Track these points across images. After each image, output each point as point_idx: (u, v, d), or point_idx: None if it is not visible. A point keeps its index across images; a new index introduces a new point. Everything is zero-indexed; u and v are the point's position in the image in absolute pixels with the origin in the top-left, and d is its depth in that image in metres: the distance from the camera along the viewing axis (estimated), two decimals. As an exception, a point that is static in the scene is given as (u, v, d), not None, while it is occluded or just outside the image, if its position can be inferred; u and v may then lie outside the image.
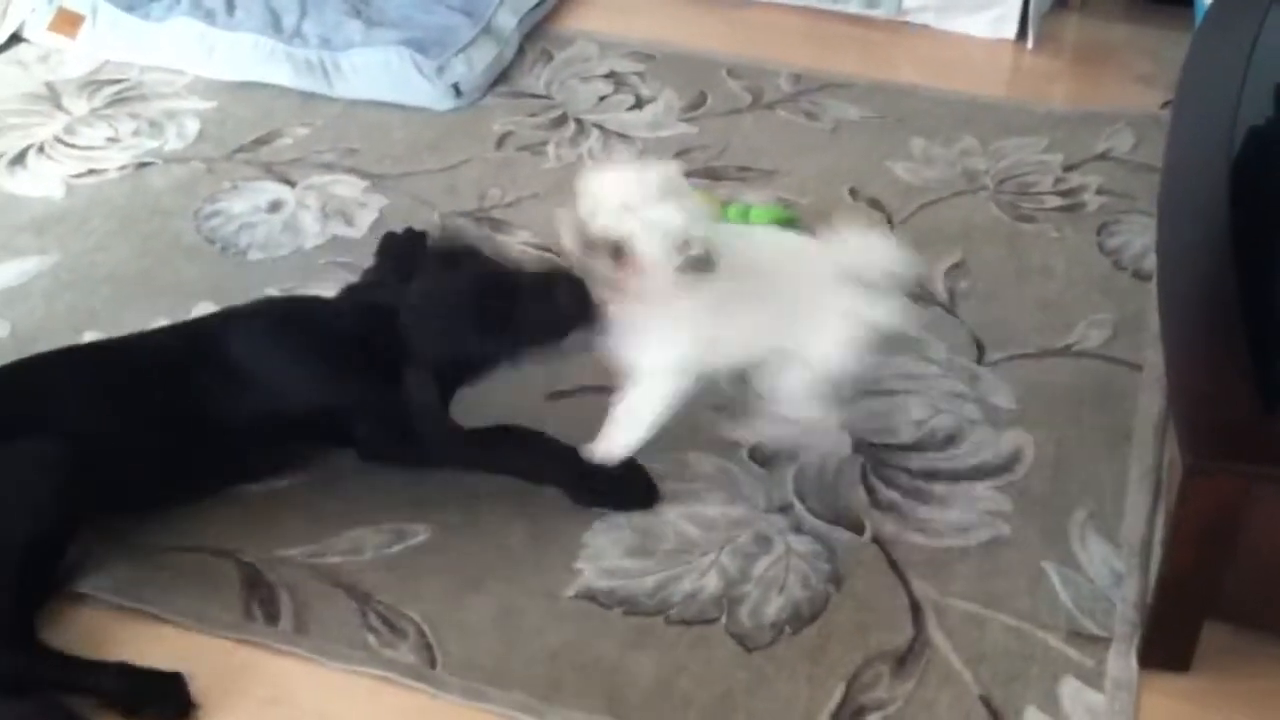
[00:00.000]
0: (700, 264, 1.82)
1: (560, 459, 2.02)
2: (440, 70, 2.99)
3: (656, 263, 1.81)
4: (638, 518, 1.99)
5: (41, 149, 2.86)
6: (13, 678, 1.73)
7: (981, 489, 2.05)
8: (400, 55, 3.00)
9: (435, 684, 1.76)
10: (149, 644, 1.82)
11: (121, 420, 1.90)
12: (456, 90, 3.00)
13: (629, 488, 2.03)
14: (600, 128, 2.94)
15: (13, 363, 1.97)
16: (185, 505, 1.99)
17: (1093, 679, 1.77)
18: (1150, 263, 2.47)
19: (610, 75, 3.15)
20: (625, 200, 1.82)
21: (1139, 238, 2.57)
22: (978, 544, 1.96)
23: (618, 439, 1.98)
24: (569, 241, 1.87)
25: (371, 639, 1.82)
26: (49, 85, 3.09)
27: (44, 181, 2.76)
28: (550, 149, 2.87)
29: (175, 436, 1.93)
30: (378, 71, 3.01)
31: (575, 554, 1.94)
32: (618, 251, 1.82)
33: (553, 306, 1.94)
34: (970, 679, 1.77)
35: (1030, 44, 3.21)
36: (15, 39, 3.24)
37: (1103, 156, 2.85)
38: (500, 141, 2.89)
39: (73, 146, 2.87)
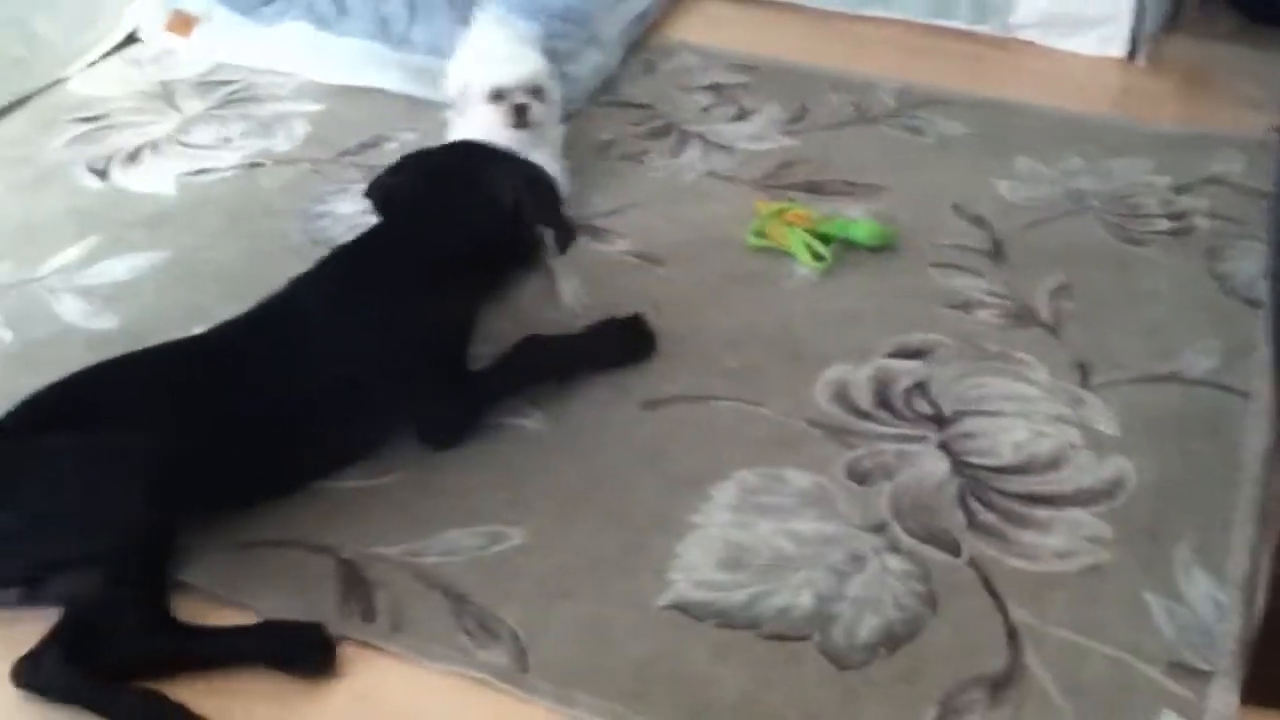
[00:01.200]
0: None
1: (577, 346, 2.26)
2: (546, 78, 3.01)
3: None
4: (732, 532, 1.99)
5: (155, 147, 2.93)
6: (157, 660, 1.77)
7: (1083, 515, 2.02)
8: (506, 62, 3.03)
9: (526, 688, 1.77)
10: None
11: (209, 414, 1.96)
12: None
13: (635, 338, 2.30)
14: (702, 138, 2.94)
15: (104, 361, 2.03)
16: (278, 498, 2.03)
17: (1193, 713, 1.73)
18: (1260, 289, 2.42)
19: (713, 86, 3.15)
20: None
21: (1249, 263, 2.52)
22: (1078, 571, 1.93)
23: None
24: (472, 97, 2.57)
25: (466, 640, 1.83)
26: (163, 85, 3.16)
27: (157, 179, 2.82)
28: (652, 159, 2.88)
29: (262, 422, 1.98)
30: (484, 78, 3.03)
31: (668, 564, 1.94)
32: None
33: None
34: (1068, 709, 1.74)
35: (1140, 63, 3.16)
36: (131, 39, 3.32)
37: (1213, 179, 2.79)
38: (603, 150, 2.91)
39: (185, 145, 2.94)
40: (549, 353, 2.23)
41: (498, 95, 2.55)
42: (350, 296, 2.13)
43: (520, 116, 2.54)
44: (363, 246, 2.22)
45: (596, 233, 2.63)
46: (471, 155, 2.31)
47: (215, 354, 2.06)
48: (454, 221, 2.19)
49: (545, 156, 2.52)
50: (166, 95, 3.12)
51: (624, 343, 2.29)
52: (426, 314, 2.12)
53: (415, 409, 2.11)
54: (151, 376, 2.01)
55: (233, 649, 1.81)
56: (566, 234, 2.27)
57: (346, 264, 2.19)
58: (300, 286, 2.15)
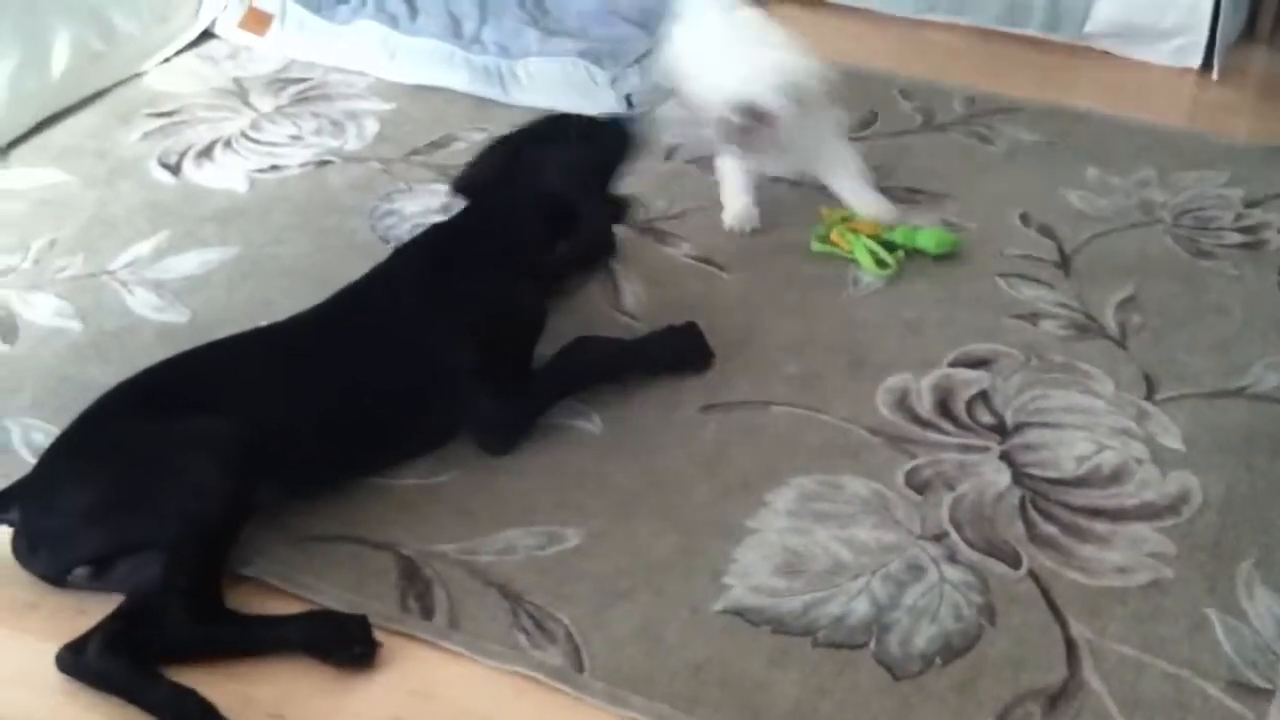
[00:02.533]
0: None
1: (631, 350, 2.27)
2: (614, 81, 3.03)
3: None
4: (789, 537, 1.99)
5: (228, 143, 2.97)
6: (207, 644, 1.81)
7: (1145, 530, 1.99)
8: (576, 65, 3.05)
9: (581, 688, 1.78)
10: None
11: (290, 399, 2.00)
12: (629, 101, 3.03)
13: (690, 350, 2.28)
14: (768, 143, 2.94)
15: (187, 351, 2.08)
16: (352, 480, 2.06)
17: (1253, 733, 1.71)
18: (1334, 306, 2.38)
19: (781, 91, 3.14)
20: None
21: (1322, 278, 2.49)
22: (1138, 586, 1.91)
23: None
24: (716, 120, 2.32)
25: (522, 639, 1.84)
26: (237, 81, 3.20)
27: (229, 175, 2.87)
28: (718, 163, 2.87)
29: (341, 407, 2.02)
30: (553, 80, 3.06)
31: (724, 569, 1.94)
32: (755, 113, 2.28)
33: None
34: (1124, 725, 1.73)
35: (1215, 75, 3.12)
36: (207, 35, 3.37)
37: (1288, 194, 2.75)
38: (669, 153, 2.91)
39: (257, 142, 2.98)
40: (602, 356, 2.24)
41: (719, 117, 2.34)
42: (427, 287, 2.15)
43: (743, 137, 2.33)
44: (437, 237, 2.25)
45: (660, 235, 2.63)
46: (538, 138, 2.31)
47: (295, 341, 2.10)
48: (513, 210, 2.22)
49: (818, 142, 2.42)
50: (240, 92, 3.16)
51: (678, 350, 2.29)
52: (497, 307, 2.14)
53: (473, 412, 2.13)
54: (238, 363, 2.06)
55: (276, 637, 1.83)
56: (609, 215, 2.28)
57: (423, 255, 2.22)
58: (378, 276, 2.19)
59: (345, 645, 1.82)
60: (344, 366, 2.06)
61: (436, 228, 2.30)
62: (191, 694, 1.73)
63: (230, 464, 1.85)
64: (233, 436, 1.87)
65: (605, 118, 2.38)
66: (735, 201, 2.42)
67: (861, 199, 2.40)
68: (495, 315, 2.14)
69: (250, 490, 1.89)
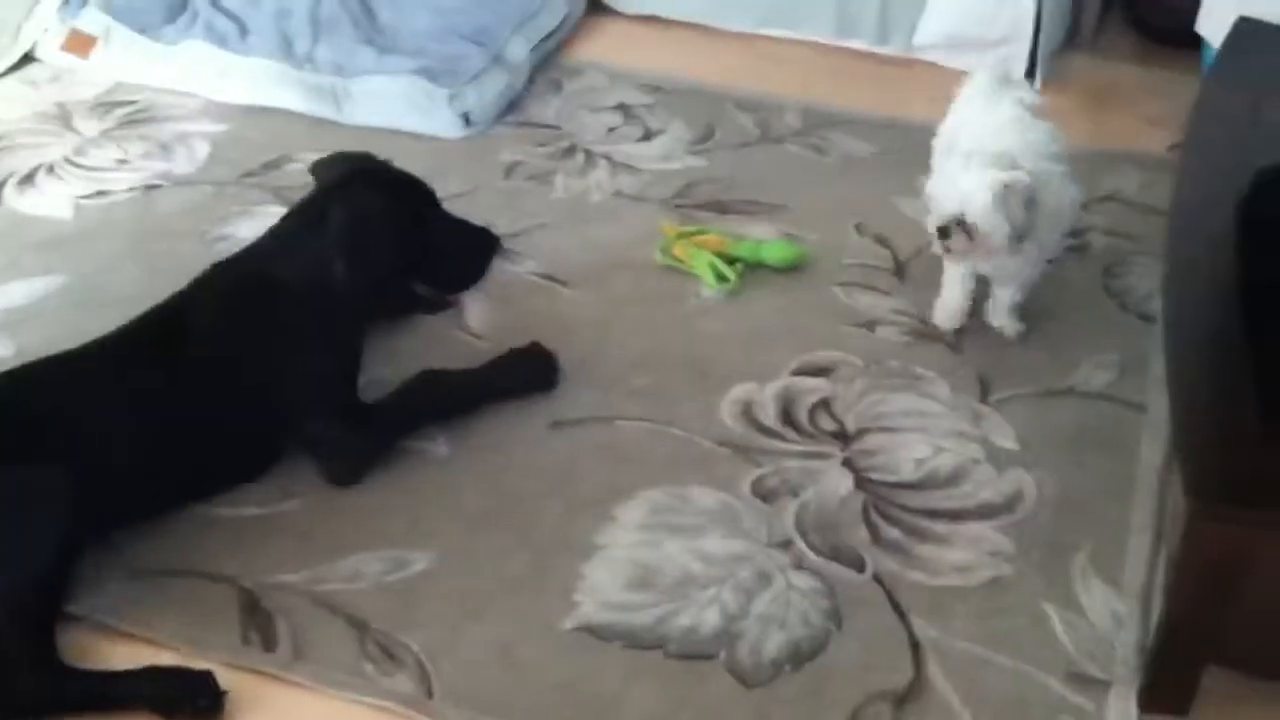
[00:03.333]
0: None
1: (478, 379, 2.23)
2: (451, 99, 3.00)
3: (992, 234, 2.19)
4: (639, 552, 1.99)
5: (51, 169, 2.87)
6: (46, 702, 1.74)
7: (983, 529, 2.04)
8: (412, 83, 3.02)
9: (432, 714, 1.76)
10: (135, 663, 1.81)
11: (108, 429, 1.93)
12: (467, 119, 3.01)
13: (537, 370, 2.27)
14: (608, 159, 2.95)
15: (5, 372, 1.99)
16: (176, 510, 2.01)
17: (1092, 723, 1.76)
18: (1155, 305, 2.47)
19: (619, 106, 3.16)
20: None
21: (1145, 280, 2.57)
22: (979, 584, 1.95)
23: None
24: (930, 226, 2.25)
25: (369, 667, 1.81)
26: (60, 105, 3.10)
27: (53, 202, 2.77)
28: (558, 179, 2.88)
29: (165, 433, 1.96)
30: (389, 99, 3.02)
31: (574, 586, 1.94)
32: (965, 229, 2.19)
33: (465, 255, 2.27)
34: (969, 720, 1.76)
35: (1038, 83, 3.21)
36: (28, 58, 3.26)
37: (1110, 197, 2.85)
38: (509, 171, 2.90)
39: (82, 167, 2.89)
40: (449, 387, 2.22)
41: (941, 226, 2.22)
42: (238, 314, 2.10)
43: (943, 238, 2.23)
44: (248, 263, 2.19)
45: (503, 253, 2.61)
46: (334, 193, 2.20)
47: (110, 367, 2.02)
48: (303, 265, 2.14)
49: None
50: (63, 116, 3.06)
51: (526, 373, 2.28)
52: (308, 338, 2.10)
53: (314, 446, 2.08)
54: (55, 393, 1.96)
55: (121, 693, 1.77)
56: (427, 304, 2.26)
57: (233, 281, 2.16)
58: (187, 300, 2.12)
59: (190, 699, 1.76)
60: (162, 393, 2.00)
61: (257, 246, 2.23)
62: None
63: (56, 512, 1.78)
64: (56, 484, 1.80)
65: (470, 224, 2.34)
66: (947, 301, 2.42)
67: (995, 312, 2.41)
68: (327, 341, 2.10)
69: (77, 534, 1.82)
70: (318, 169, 2.33)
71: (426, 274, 2.26)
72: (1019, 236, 2.20)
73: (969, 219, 2.17)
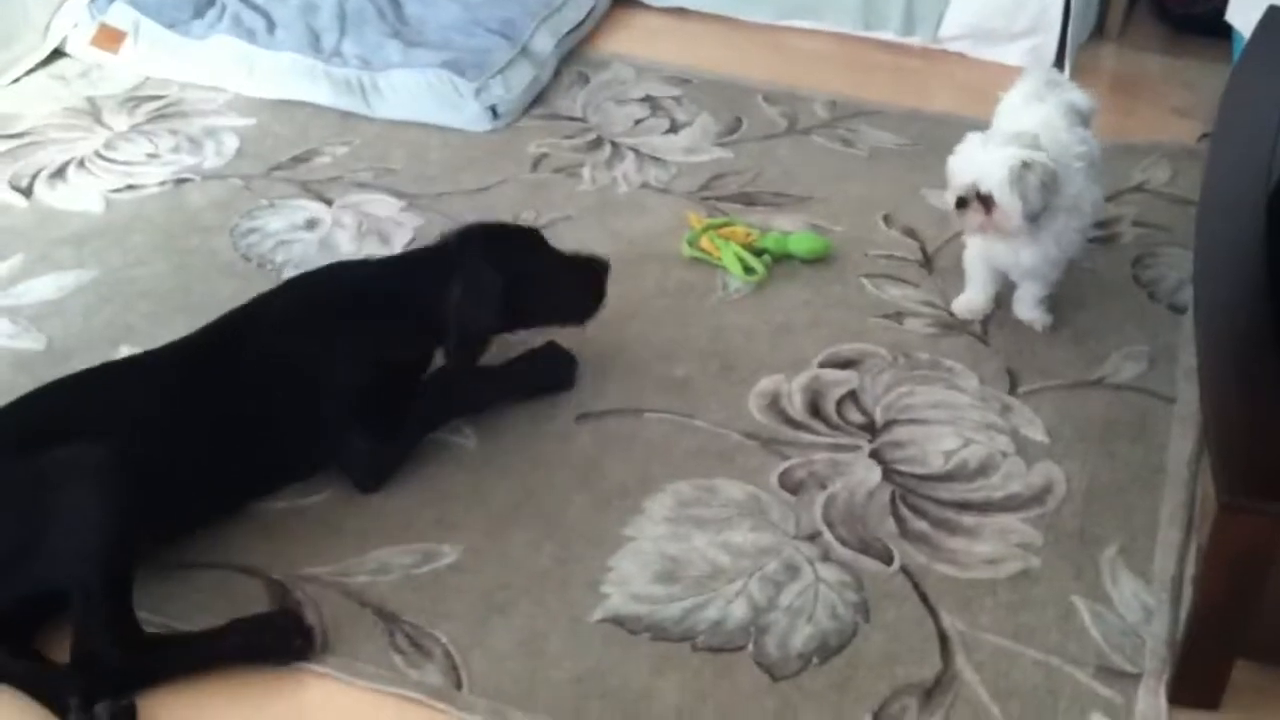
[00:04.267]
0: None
1: (497, 379, 2.23)
2: (478, 92, 3.01)
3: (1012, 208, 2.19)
4: (666, 544, 1.99)
5: (82, 164, 2.89)
6: (139, 676, 1.77)
7: (1012, 521, 2.04)
8: (439, 76, 3.03)
9: (460, 705, 1.76)
10: (176, 659, 1.82)
11: (166, 432, 1.94)
12: (494, 112, 3.01)
13: (553, 371, 2.27)
14: (635, 151, 2.95)
15: (56, 381, 2.00)
16: (226, 516, 2.01)
17: (1122, 716, 1.76)
18: (1186, 296, 2.46)
19: (646, 99, 3.16)
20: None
21: (1174, 271, 2.56)
22: (1007, 577, 1.95)
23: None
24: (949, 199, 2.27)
25: (398, 659, 1.82)
26: (90, 100, 3.12)
27: (83, 196, 2.79)
28: (585, 171, 2.88)
29: (219, 439, 1.97)
30: (416, 92, 3.03)
31: (602, 578, 1.94)
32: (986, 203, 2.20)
33: (578, 292, 2.25)
34: (998, 714, 1.76)
35: (1067, 74, 3.19)
36: (57, 54, 3.28)
37: (1139, 188, 2.83)
38: (536, 163, 2.91)
39: (112, 162, 2.90)
40: (470, 388, 2.21)
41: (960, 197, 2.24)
42: (301, 324, 2.10)
43: (970, 219, 2.24)
44: (321, 280, 2.21)
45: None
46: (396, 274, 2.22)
47: (170, 372, 2.03)
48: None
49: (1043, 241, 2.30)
50: (93, 111, 3.08)
51: (543, 373, 2.28)
52: (379, 353, 2.10)
53: (345, 449, 2.08)
54: (110, 395, 1.98)
55: (213, 652, 1.80)
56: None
57: (302, 293, 2.17)
58: (264, 305, 2.14)
59: (284, 642, 1.80)
60: (220, 398, 2.00)
61: (338, 265, 2.27)
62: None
63: (113, 489, 1.78)
64: (109, 461, 1.81)
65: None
66: (969, 291, 2.43)
67: (1021, 305, 2.41)
68: (376, 360, 2.09)
69: (137, 511, 1.82)
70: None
71: (542, 318, 2.25)
72: (1034, 215, 2.19)
73: (984, 189, 2.17)
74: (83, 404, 1.96)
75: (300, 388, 2.03)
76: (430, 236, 2.57)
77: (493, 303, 2.11)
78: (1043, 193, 2.18)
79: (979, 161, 2.20)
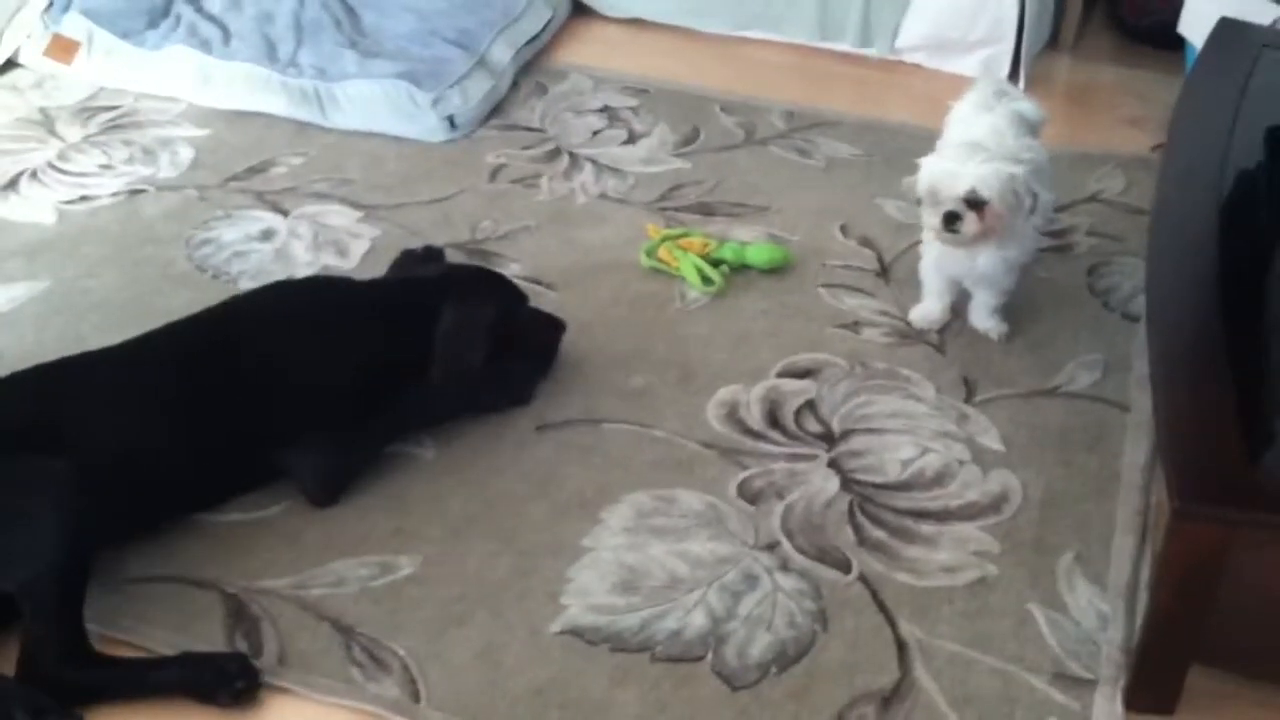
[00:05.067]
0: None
1: (455, 393, 2.21)
2: (435, 102, 3.00)
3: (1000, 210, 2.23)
4: (625, 554, 1.99)
5: (34, 175, 2.86)
6: (79, 691, 1.75)
7: (969, 529, 2.05)
8: (396, 87, 3.02)
9: (419, 718, 1.75)
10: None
11: (136, 428, 1.94)
12: (451, 123, 3.01)
13: (512, 386, 2.26)
14: (593, 161, 2.95)
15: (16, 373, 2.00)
16: (176, 520, 2.00)
17: (1078, 722, 1.77)
18: (1139, 305, 2.47)
19: (604, 109, 3.16)
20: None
21: (1128, 280, 2.58)
22: (965, 585, 1.96)
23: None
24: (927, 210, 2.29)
25: (355, 672, 1.81)
26: (43, 111, 3.09)
27: (36, 207, 2.76)
28: (543, 182, 2.88)
29: (178, 436, 1.97)
30: (373, 102, 3.02)
31: (560, 589, 1.94)
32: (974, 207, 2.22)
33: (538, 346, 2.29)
34: (955, 721, 1.77)
35: (1021, 84, 3.22)
36: (10, 64, 3.25)
37: (1093, 198, 2.86)
38: (494, 174, 2.90)
39: (65, 173, 2.87)
40: (425, 402, 2.19)
41: (933, 200, 2.26)
42: (282, 325, 2.12)
43: (949, 224, 2.24)
44: (304, 288, 2.24)
45: (488, 256, 2.62)
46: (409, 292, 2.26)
47: (134, 369, 2.03)
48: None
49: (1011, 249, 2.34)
50: (46, 122, 3.05)
51: (503, 387, 2.26)
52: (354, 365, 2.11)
53: (299, 462, 2.06)
54: (72, 391, 1.97)
55: (155, 680, 1.79)
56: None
57: (284, 297, 2.19)
58: (233, 305, 2.16)
59: (226, 683, 1.78)
60: (175, 401, 1.99)
61: (308, 279, 2.31)
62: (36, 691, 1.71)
63: (72, 503, 1.78)
64: (68, 475, 1.80)
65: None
66: (925, 301, 2.45)
67: (977, 314, 2.44)
68: (345, 372, 2.09)
69: (93, 527, 1.82)
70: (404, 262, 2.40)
71: (504, 361, 2.24)
72: (1027, 215, 2.25)
73: (985, 194, 2.20)
74: (42, 399, 1.95)
75: (266, 390, 2.03)
76: (387, 248, 2.57)
77: (485, 333, 2.14)
78: (1029, 193, 2.23)
79: (976, 172, 2.21)
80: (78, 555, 1.79)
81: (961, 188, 2.21)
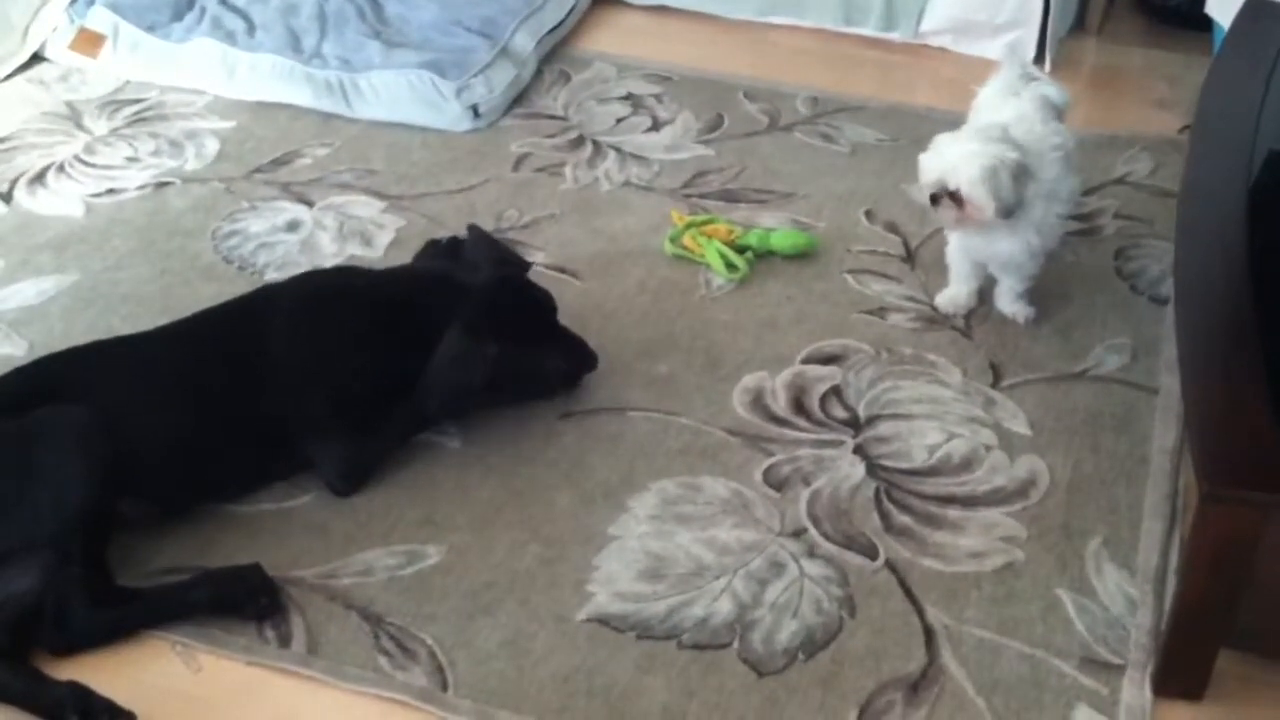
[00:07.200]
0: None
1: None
2: (459, 92, 3.00)
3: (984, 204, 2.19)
4: (651, 542, 1.99)
5: (62, 168, 2.88)
6: (109, 630, 1.81)
7: (996, 515, 2.04)
8: (420, 77, 3.02)
9: (446, 707, 1.76)
10: (158, 662, 1.83)
11: (148, 410, 1.98)
12: (475, 112, 3.01)
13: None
14: (617, 149, 2.95)
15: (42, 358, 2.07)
16: (208, 505, 2.03)
17: (1107, 707, 1.76)
18: (1168, 287, 2.46)
19: (627, 97, 3.16)
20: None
21: (1157, 262, 2.56)
22: (992, 570, 1.95)
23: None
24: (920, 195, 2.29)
25: (384, 661, 1.82)
26: (70, 105, 3.11)
27: (64, 201, 2.78)
28: (567, 170, 2.88)
29: (205, 422, 2.00)
30: (397, 93, 3.02)
31: (587, 577, 1.94)
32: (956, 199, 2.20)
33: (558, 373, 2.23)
34: (983, 707, 1.76)
35: (1048, 67, 3.20)
36: (37, 58, 3.27)
37: (1120, 181, 2.84)
38: (518, 163, 2.90)
39: (93, 166, 2.89)
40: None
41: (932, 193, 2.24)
42: (309, 315, 2.13)
43: (942, 215, 2.25)
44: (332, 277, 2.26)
45: (513, 245, 2.61)
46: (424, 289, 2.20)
47: (156, 354, 2.07)
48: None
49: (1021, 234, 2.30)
50: (73, 115, 3.07)
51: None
52: (364, 361, 2.10)
53: (320, 453, 2.07)
54: (95, 370, 2.02)
55: (182, 604, 1.84)
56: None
57: (313, 289, 2.20)
58: (257, 300, 2.18)
59: (251, 598, 1.84)
60: (205, 386, 2.02)
61: (338, 269, 2.32)
62: (89, 691, 1.73)
63: (89, 443, 1.83)
64: (89, 420, 1.85)
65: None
66: (952, 286, 2.44)
67: (1003, 299, 2.42)
68: (360, 368, 2.09)
69: (115, 472, 1.85)
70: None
71: (516, 394, 2.21)
72: (1008, 209, 2.19)
73: (952, 185, 2.18)
74: (73, 375, 2.00)
75: (291, 378, 2.04)
76: (412, 238, 2.58)
77: (480, 372, 2.07)
78: (1015, 186, 2.19)
79: (946, 157, 2.20)
80: (101, 499, 1.84)
81: (930, 175, 2.21)
